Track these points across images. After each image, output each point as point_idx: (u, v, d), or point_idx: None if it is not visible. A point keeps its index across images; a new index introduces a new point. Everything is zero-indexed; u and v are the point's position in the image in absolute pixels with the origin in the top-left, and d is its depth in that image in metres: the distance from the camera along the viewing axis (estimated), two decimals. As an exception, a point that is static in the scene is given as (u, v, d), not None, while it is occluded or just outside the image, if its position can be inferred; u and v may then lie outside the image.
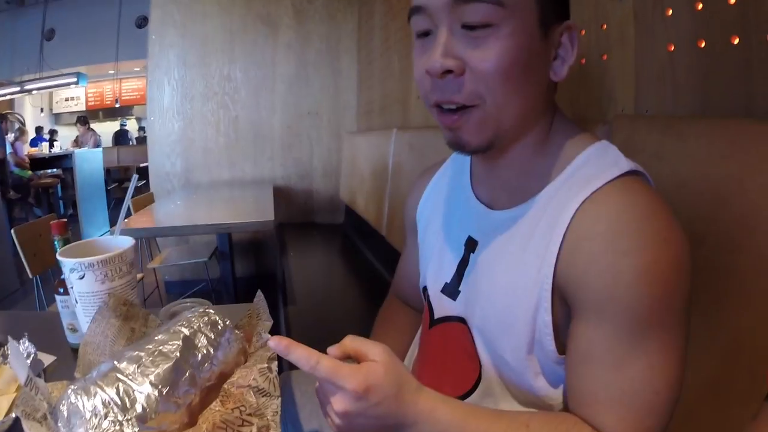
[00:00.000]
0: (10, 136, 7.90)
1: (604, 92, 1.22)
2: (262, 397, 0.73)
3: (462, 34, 0.67)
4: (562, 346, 0.71)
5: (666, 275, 0.61)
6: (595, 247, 0.64)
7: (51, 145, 9.93)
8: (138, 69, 11.55)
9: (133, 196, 3.51)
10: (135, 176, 1.13)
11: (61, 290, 1.04)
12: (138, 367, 0.71)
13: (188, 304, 1.03)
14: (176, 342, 0.75)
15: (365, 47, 4.00)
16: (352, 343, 0.68)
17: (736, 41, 0.87)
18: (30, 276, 2.44)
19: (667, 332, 0.62)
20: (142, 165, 9.12)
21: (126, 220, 2.64)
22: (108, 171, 8.89)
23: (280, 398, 0.73)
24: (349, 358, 0.67)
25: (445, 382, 0.88)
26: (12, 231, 2.39)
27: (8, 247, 4.16)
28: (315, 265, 3.45)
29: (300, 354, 0.64)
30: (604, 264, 0.63)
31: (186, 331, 0.78)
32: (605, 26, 1.19)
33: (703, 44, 0.94)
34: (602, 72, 1.22)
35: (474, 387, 0.83)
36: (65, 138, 11.17)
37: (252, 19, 4.16)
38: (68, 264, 0.92)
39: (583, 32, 1.25)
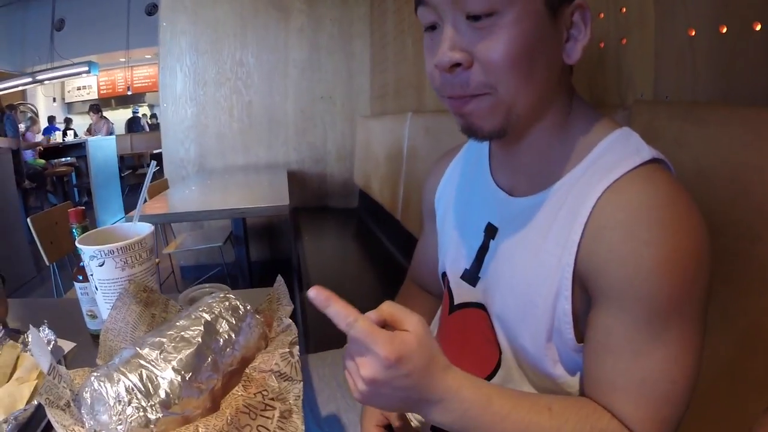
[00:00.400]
0: (22, 126, 7.93)
1: (623, 77, 1.20)
2: (284, 381, 0.74)
3: (467, 26, 0.66)
4: (580, 335, 0.71)
5: (686, 265, 0.61)
6: (616, 236, 0.64)
7: (64, 135, 9.97)
8: (149, 56, 11.56)
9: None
10: (153, 162, 1.12)
11: (80, 277, 1.04)
12: (160, 353, 0.71)
13: (207, 289, 1.04)
14: (198, 327, 0.76)
15: (378, 31, 3.96)
16: (389, 308, 0.65)
17: (758, 27, 0.85)
18: (47, 263, 2.47)
19: (686, 322, 0.62)
20: (155, 151, 9.17)
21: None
22: (122, 158, 8.95)
23: (302, 382, 0.74)
24: (385, 325, 0.65)
25: (464, 368, 0.88)
26: (28, 219, 2.42)
27: (24, 236, 4.22)
28: (330, 249, 3.46)
29: (338, 309, 0.61)
30: (625, 253, 0.63)
31: (207, 317, 0.79)
32: (624, 10, 1.17)
33: (724, 29, 0.92)
34: (621, 56, 1.20)
35: (493, 373, 0.84)
36: (78, 127, 11.21)
37: (263, 4, 4.14)
38: (88, 251, 0.92)
39: (602, 15, 1.23)
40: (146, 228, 1.00)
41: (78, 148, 8.41)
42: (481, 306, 0.85)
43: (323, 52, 4.29)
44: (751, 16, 0.86)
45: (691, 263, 0.61)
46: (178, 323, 0.77)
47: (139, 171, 9.97)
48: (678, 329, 0.62)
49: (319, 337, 1.95)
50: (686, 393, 0.63)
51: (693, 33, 0.99)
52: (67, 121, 11.10)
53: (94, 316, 1.07)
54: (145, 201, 2.99)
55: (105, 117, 10.38)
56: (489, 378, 0.84)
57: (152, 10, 9.55)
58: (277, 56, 4.24)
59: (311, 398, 1.17)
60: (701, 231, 0.62)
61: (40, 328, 0.97)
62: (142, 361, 0.71)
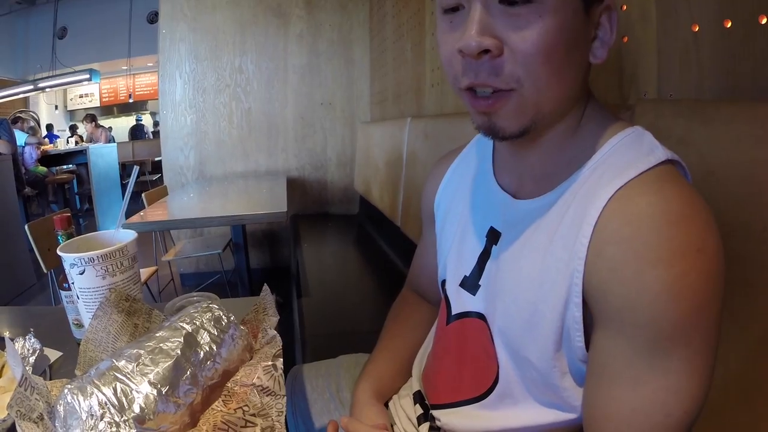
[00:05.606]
0: (25, 137, 7.94)
1: (625, 76, 1.17)
2: (267, 396, 0.71)
3: (500, 10, 0.60)
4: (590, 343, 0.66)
5: (696, 289, 0.55)
6: (619, 253, 0.59)
7: (67, 142, 9.98)
8: (151, 64, 11.61)
9: (146, 190, 3.54)
10: (136, 168, 1.10)
11: (66, 285, 1.02)
12: (137, 366, 0.68)
13: (195, 298, 1.00)
14: (177, 339, 0.73)
15: (377, 36, 3.96)
16: None
17: (765, 20, 0.82)
18: (44, 271, 2.45)
19: (693, 351, 0.57)
20: (157, 159, 9.19)
21: (142, 213, 2.65)
22: (123, 165, 8.96)
23: (285, 397, 0.71)
24: None
25: (461, 382, 0.84)
26: (26, 227, 2.41)
27: (24, 243, 4.21)
28: (329, 256, 3.44)
29: None
30: (628, 273, 0.58)
31: (188, 328, 0.76)
32: (625, 6, 1.14)
33: (729, 24, 0.89)
34: (623, 55, 1.17)
35: (492, 387, 0.79)
36: (82, 134, 11.28)
37: (262, 11, 4.15)
38: (68, 259, 0.90)
39: (602, 13, 1.20)
40: (129, 235, 0.97)
41: (79, 155, 8.43)
42: (481, 316, 0.81)
43: (322, 57, 4.29)
44: (756, 9, 0.83)
45: (703, 288, 0.56)
46: (157, 334, 0.74)
47: (141, 178, 9.97)
48: (682, 359, 0.57)
49: (315, 346, 1.93)
50: (681, 427, 0.58)
51: (696, 28, 0.96)
52: (72, 128, 11.15)
53: (80, 325, 1.04)
54: (146, 208, 3.01)
55: (102, 126, 10.38)
56: (488, 392, 0.80)
57: (154, 18, 9.62)
58: (277, 63, 4.24)
59: (304, 410, 1.15)
60: (715, 250, 0.57)
61: (27, 337, 0.94)
62: (117, 374, 0.67)
